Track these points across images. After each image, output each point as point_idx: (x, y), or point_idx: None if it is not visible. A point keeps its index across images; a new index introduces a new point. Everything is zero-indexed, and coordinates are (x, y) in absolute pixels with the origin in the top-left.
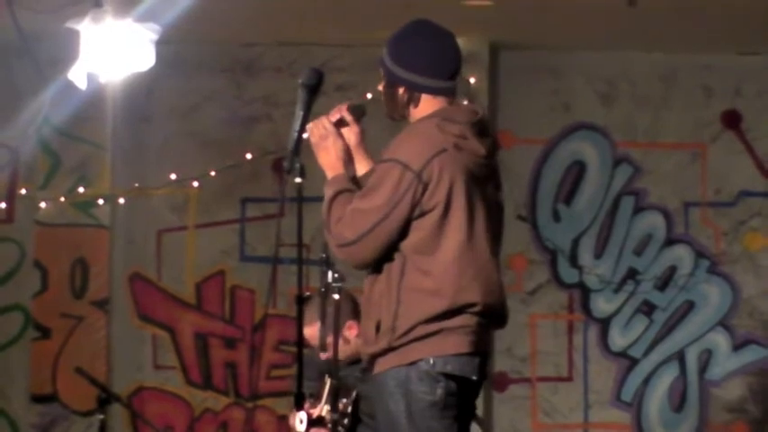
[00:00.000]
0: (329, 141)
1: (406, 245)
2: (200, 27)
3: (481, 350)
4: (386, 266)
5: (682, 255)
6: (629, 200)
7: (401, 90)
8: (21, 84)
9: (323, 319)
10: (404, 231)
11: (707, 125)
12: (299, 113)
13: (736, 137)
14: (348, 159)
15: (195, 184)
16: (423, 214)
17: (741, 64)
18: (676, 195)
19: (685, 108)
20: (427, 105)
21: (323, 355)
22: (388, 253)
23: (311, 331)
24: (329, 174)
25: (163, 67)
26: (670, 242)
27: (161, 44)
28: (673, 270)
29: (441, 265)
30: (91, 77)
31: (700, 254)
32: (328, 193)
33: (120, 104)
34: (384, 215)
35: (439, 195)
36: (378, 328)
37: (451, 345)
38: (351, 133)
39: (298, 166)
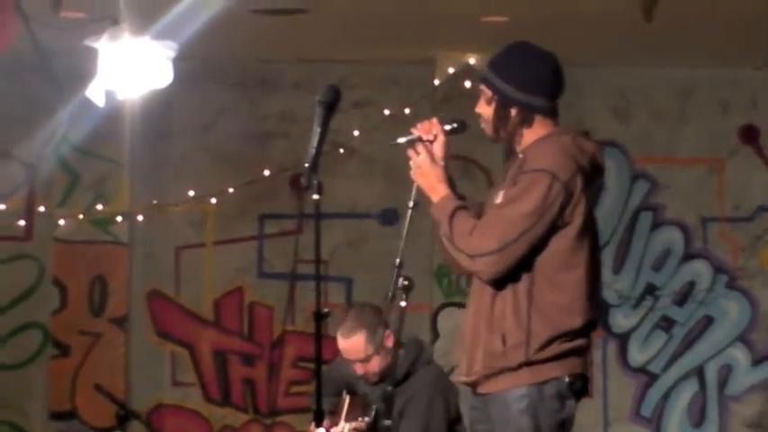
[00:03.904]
0: (425, 167)
1: (541, 258)
2: (218, 44)
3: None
4: (510, 281)
5: (700, 270)
6: (646, 215)
7: (514, 111)
8: (39, 101)
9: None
10: (539, 243)
11: (724, 140)
12: (317, 130)
13: (753, 151)
14: (449, 180)
15: (213, 200)
16: (563, 226)
17: (758, 78)
18: (694, 210)
19: (702, 123)
20: (539, 125)
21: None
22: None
23: (349, 345)
24: (434, 197)
25: (181, 84)
26: (688, 257)
27: (179, 61)
28: (691, 285)
29: (574, 282)
30: (109, 95)
31: (718, 269)
32: (443, 212)
33: (138, 121)
34: (532, 224)
35: (579, 210)
36: (504, 342)
37: (579, 365)
38: (438, 145)
39: (315, 182)
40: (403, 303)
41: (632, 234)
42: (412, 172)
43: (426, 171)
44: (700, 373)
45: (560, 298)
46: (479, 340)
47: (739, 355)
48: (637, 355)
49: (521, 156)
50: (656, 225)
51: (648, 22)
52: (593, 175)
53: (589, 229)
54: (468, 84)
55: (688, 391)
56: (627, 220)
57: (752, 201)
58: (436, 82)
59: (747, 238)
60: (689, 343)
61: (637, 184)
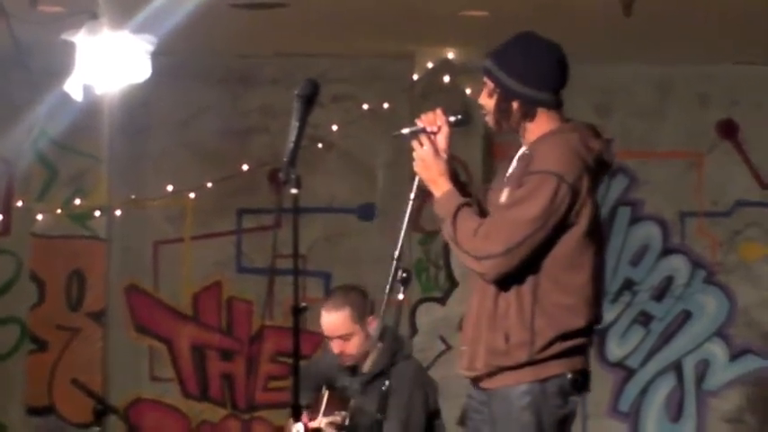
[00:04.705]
0: (428, 160)
1: (547, 259)
2: (197, 38)
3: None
4: (514, 281)
5: (678, 265)
6: (625, 210)
7: (516, 104)
8: (17, 96)
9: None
10: (544, 245)
11: (703, 135)
12: (295, 124)
13: (732, 147)
14: (452, 172)
15: (192, 195)
16: (570, 226)
17: (737, 74)
18: (672, 205)
19: (681, 118)
20: (543, 119)
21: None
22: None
23: (333, 319)
24: (436, 192)
25: (159, 79)
26: (666, 252)
27: (157, 55)
28: (669, 280)
29: (580, 282)
30: (87, 89)
31: (696, 264)
32: (445, 210)
33: (117, 116)
34: (538, 227)
35: (585, 211)
36: (507, 340)
37: (581, 361)
38: (442, 137)
39: (294, 177)
40: (401, 296)
41: (610, 229)
42: (414, 164)
43: (429, 164)
44: (677, 367)
45: (566, 299)
46: (481, 337)
47: (717, 350)
48: (615, 350)
49: (526, 152)
50: (635, 220)
51: (627, 17)
52: (599, 173)
53: (596, 230)
54: (446, 78)
55: (666, 385)
56: (605, 215)
57: (730, 196)
58: (415, 77)
59: (725, 234)
60: (667, 338)
61: (615, 180)
